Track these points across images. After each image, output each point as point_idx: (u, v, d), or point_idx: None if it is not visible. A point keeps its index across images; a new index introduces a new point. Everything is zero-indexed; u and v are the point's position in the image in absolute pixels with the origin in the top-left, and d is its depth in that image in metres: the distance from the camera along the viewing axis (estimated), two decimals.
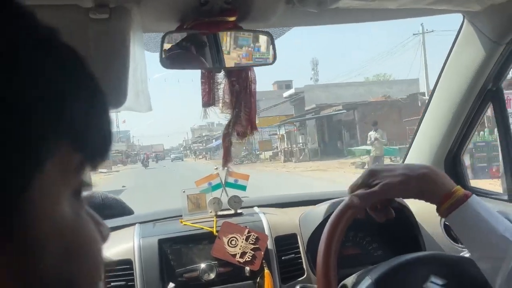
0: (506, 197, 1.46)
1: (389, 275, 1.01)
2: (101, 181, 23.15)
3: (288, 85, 47.18)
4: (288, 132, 30.95)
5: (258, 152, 33.41)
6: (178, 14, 1.05)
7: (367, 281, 1.01)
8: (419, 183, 0.83)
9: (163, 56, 1.03)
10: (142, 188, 14.58)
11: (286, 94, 34.84)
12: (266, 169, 21.95)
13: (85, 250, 0.32)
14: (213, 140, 53.22)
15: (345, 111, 24.54)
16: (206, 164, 28.80)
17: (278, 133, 32.56)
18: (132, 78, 1.00)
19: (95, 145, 0.33)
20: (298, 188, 10.15)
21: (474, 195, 0.81)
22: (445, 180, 0.84)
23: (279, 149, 31.85)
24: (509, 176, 1.43)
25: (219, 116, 1.18)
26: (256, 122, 1.22)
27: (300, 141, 28.75)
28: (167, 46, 1.08)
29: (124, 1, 0.95)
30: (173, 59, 1.06)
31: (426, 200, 0.85)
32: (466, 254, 1.24)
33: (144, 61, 1.02)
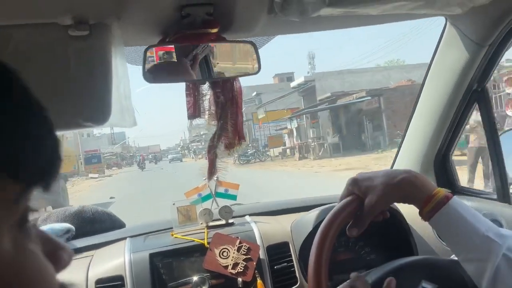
0: (495, 196, 1.47)
1: (380, 280, 1.01)
2: (91, 188, 21.63)
3: (289, 77, 45.26)
4: (298, 126, 27.09)
5: (265, 150, 30.07)
6: (159, 27, 1.04)
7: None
8: (400, 189, 0.83)
9: (146, 70, 1.03)
10: (135, 199, 12.76)
11: (294, 84, 31.03)
12: (285, 169, 18.91)
13: (32, 286, 0.30)
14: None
15: (370, 97, 21.26)
16: None
17: (289, 127, 28.46)
18: (116, 94, 0.99)
19: (38, 171, 0.31)
20: None
21: (455, 197, 0.81)
22: (425, 183, 0.84)
23: (287, 145, 28.50)
24: (497, 175, 1.44)
25: (206, 128, 1.17)
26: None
27: (312, 135, 24.35)
28: (149, 60, 1.07)
29: (104, 17, 0.94)
30: (156, 73, 1.05)
31: (411, 204, 0.85)
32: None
33: (127, 76, 1.01)
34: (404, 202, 0.85)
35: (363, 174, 0.88)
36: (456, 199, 0.81)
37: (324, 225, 1.01)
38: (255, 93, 41.67)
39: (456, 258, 1.16)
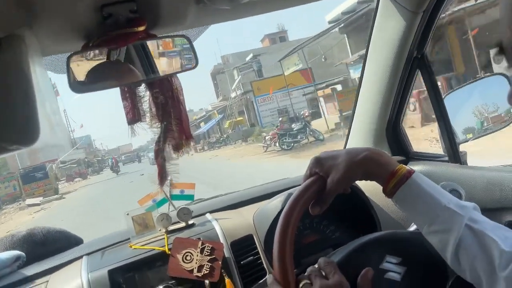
0: (446, 158, 1.50)
1: (345, 260, 1.01)
2: (33, 220, 13.98)
3: (282, 37, 40.23)
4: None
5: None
6: (80, 31, 0.96)
7: None
8: (362, 167, 0.83)
9: (72, 80, 0.94)
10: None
11: (330, 17, 18.70)
12: None
13: None
14: (201, 124, 44.44)
15: None
16: (224, 159, 21.71)
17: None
18: (42, 110, 0.90)
19: None
20: None
21: (416, 172, 0.82)
22: (387, 160, 0.84)
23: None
24: (445, 137, 1.47)
25: (148, 132, 1.11)
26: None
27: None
28: (77, 67, 0.99)
29: (13, 28, 0.84)
30: (83, 81, 0.97)
31: (374, 181, 0.85)
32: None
33: (51, 89, 0.93)
34: (366, 179, 0.85)
35: (326, 153, 0.88)
36: (418, 174, 0.82)
37: (286, 209, 0.99)
38: (251, 55, 35.96)
39: (413, 228, 1.19)
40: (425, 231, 0.84)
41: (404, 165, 0.84)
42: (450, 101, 1.52)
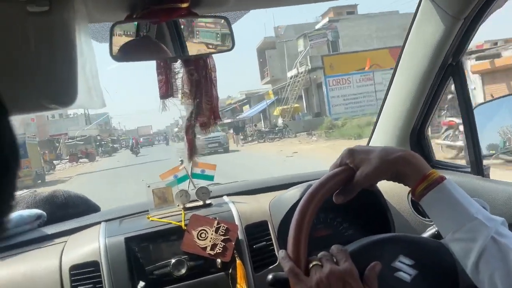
0: (468, 169, 1.49)
1: (358, 252, 1.02)
2: None
3: (351, 12, 30.28)
4: None
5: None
6: (126, 2, 0.98)
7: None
8: (395, 166, 0.83)
9: (113, 48, 0.97)
10: None
11: None
12: None
13: None
14: (244, 108, 37.82)
15: None
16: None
17: None
18: (82, 73, 0.94)
19: None
20: None
21: (449, 178, 0.82)
22: (421, 163, 0.84)
23: None
24: (471, 149, 1.46)
25: (179, 108, 1.13)
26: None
27: None
28: (117, 37, 1.01)
29: None
30: (124, 51, 0.99)
31: (402, 183, 0.85)
32: (433, 229, 1.27)
33: (93, 54, 0.96)
34: (395, 180, 0.85)
35: (361, 146, 0.88)
36: (450, 181, 0.81)
37: (303, 201, 1.00)
38: (326, 20, 27.39)
39: (432, 230, 1.19)
40: (449, 237, 0.83)
41: (436, 171, 0.84)
42: (480, 113, 1.51)
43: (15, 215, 1.34)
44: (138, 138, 41.29)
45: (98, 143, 38.04)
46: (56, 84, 0.92)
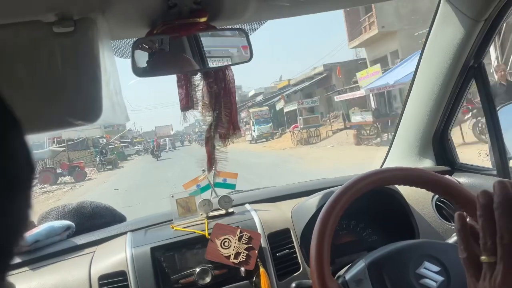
0: (494, 172, 1.46)
1: (382, 259, 1.02)
2: None
3: None
4: None
5: None
6: (146, 19, 1.02)
7: (361, 264, 1.01)
8: None
9: (135, 64, 1.00)
10: None
11: None
12: None
13: None
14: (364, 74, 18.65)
15: None
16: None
17: None
18: (106, 90, 0.97)
19: None
20: None
21: None
22: None
23: None
24: (496, 151, 1.43)
25: (199, 119, 1.15)
26: None
27: None
28: (138, 53, 1.05)
29: (88, 12, 0.91)
30: (146, 66, 1.02)
31: None
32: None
33: (116, 71, 0.99)
34: None
35: None
36: None
37: (325, 209, 1.01)
38: None
39: (452, 240, 1.16)
40: None
41: None
42: (504, 115, 1.48)
43: (46, 226, 1.39)
44: (158, 140, 34.73)
45: (98, 150, 26.05)
46: (81, 101, 0.95)
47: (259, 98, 38.64)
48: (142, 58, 1.05)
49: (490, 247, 0.63)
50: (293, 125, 25.49)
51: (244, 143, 29.05)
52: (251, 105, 36.77)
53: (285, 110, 29.94)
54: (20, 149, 0.32)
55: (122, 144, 38.12)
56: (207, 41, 1.13)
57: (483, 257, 0.65)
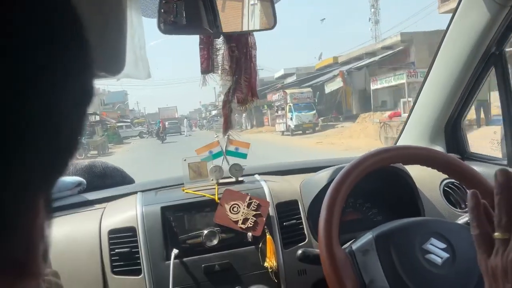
0: (505, 162, 1.46)
1: (390, 232, 1.04)
2: None
3: None
4: None
5: None
6: None
7: (368, 236, 1.03)
8: None
9: (161, 20, 1.01)
10: None
11: None
12: None
13: None
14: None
15: None
16: None
17: None
18: (130, 44, 0.98)
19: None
20: None
21: None
22: None
23: None
24: (509, 141, 1.43)
25: (218, 83, 1.16)
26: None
27: None
28: (164, 10, 1.05)
29: None
30: (172, 24, 1.03)
31: None
32: (465, 218, 1.26)
33: (142, 27, 0.99)
34: None
35: None
36: None
37: (335, 183, 1.02)
38: None
39: (465, 222, 1.18)
40: None
41: None
42: None
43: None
44: (155, 123, 33.75)
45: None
46: (106, 53, 0.95)
47: (290, 79, 31.40)
48: (168, 15, 1.05)
49: (505, 224, 0.65)
50: (392, 112, 16.49)
51: (272, 135, 24.23)
52: (279, 87, 30.49)
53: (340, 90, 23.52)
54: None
55: (119, 124, 34.05)
56: (231, 5, 1.13)
57: (496, 234, 0.67)
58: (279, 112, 25.35)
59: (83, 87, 0.31)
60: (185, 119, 34.07)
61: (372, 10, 35.53)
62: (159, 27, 1.02)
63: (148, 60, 1.03)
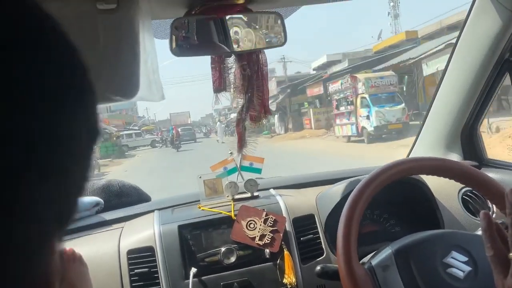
0: None
1: (409, 247, 1.02)
2: None
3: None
4: None
5: None
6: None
7: (387, 251, 1.02)
8: None
9: (173, 43, 1.02)
10: None
11: None
12: None
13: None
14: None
15: None
16: None
17: None
18: (144, 68, 0.99)
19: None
20: None
21: None
22: None
23: None
24: None
25: (231, 101, 1.17)
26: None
27: None
28: (176, 33, 1.06)
29: None
30: (184, 46, 1.04)
31: None
32: None
33: (155, 50, 1.01)
34: None
35: None
36: None
37: (353, 196, 1.02)
38: None
39: (478, 233, 1.16)
40: None
41: None
42: None
43: None
44: (167, 130, 30.94)
45: None
46: (120, 78, 0.97)
47: (337, 67, 22.61)
48: (180, 37, 1.07)
49: None
50: None
51: (325, 141, 18.00)
52: (325, 77, 22.04)
53: None
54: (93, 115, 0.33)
55: (126, 132, 29.29)
56: (243, 23, 1.14)
57: (511, 254, 0.66)
58: (342, 108, 17.36)
59: (90, 127, 0.32)
60: (218, 122, 29.29)
61: (391, 4, 32.18)
62: (171, 49, 1.03)
63: (161, 84, 1.04)
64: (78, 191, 0.32)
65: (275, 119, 27.13)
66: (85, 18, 0.94)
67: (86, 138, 0.31)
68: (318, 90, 23.53)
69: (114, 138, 22.83)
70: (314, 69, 28.34)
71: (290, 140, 21.04)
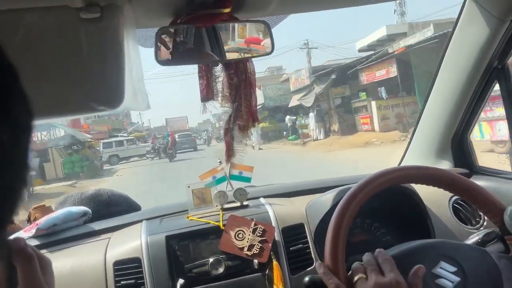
0: None
1: (398, 257, 1.01)
2: None
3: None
4: None
5: None
6: (171, 8, 1.02)
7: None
8: None
9: (158, 52, 1.01)
10: None
11: None
12: None
13: None
14: None
15: None
16: None
17: None
18: (129, 77, 0.98)
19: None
20: None
21: None
22: None
23: None
24: None
25: (219, 110, 1.16)
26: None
27: None
28: (161, 42, 1.06)
29: None
30: (169, 55, 1.03)
31: None
32: (476, 237, 1.23)
33: (139, 59, 1.00)
34: None
35: None
36: None
37: (340, 206, 1.01)
38: None
39: (469, 242, 1.15)
40: None
41: None
42: None
43: (64, 210, 1.42)
44: (162, 137, 27.04)
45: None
46: (105, 87, 0.96)
47: (405, 42, 14.93)
48: (165, 47, 1.06)
49: None
50: None
51: None
52: (399, 52, 14.61)
53: None
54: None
55: (115, 140, 24.56)
56: (229, 33, 1.13)
57: None
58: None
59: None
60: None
61: (398, 1, 27.56)
62: (156, 58, 1.02)
63: (147, 92, 1.03)
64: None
65: (310, 119, 20.75)
66: (69, 27, 0.93)
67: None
68: (385, 73, 15.41)
69: (87, 149, 17.26)
70: (360, 50, 21.37)
71: (349, 148, 14.40)
